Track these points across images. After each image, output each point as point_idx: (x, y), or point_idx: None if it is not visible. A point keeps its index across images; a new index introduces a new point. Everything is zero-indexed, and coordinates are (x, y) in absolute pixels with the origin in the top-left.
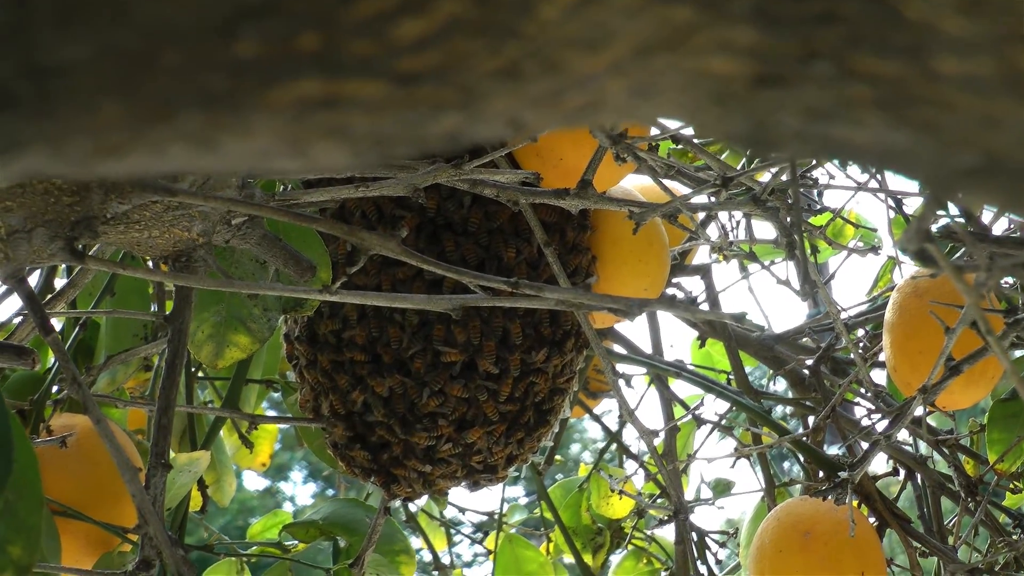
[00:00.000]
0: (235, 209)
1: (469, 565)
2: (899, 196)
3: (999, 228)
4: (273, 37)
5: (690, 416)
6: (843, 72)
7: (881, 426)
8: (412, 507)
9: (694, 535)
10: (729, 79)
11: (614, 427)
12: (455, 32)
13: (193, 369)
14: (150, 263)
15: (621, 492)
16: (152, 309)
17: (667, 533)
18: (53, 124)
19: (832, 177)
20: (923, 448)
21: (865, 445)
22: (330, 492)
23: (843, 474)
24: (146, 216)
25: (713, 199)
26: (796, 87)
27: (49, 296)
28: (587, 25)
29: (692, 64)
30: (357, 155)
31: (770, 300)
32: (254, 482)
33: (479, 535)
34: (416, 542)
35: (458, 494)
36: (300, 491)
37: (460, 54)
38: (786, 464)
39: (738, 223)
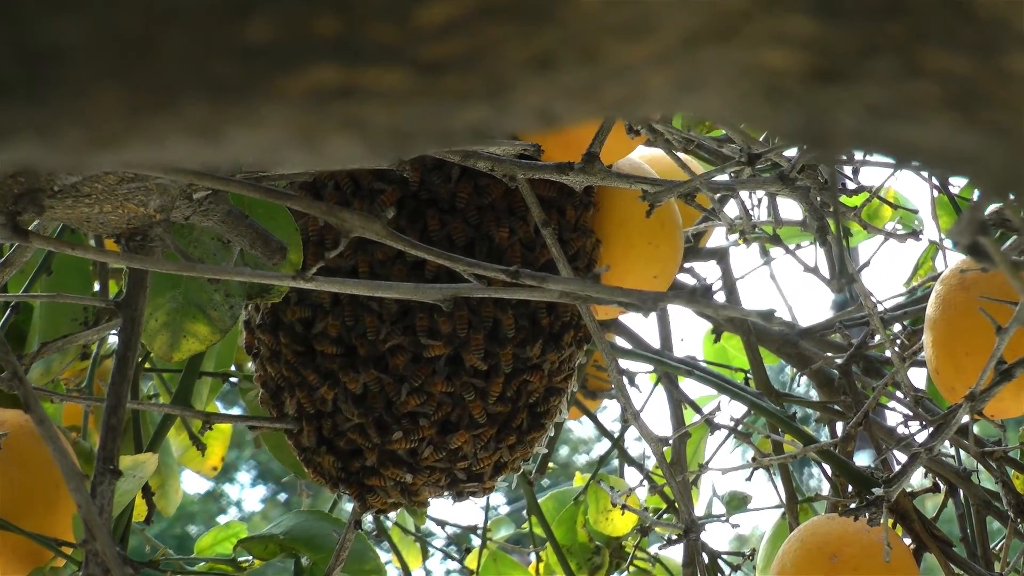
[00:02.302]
0: (197, 182)
1: None
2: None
3: None
4: (287, 20)
5: (702, 420)
6: (908, 68)
7: (921, 436)
8: (384, 519)
9: (705, 556)
10: (783, 73)
11: (609, 429)
12: (485, 17)
13: (139, 359)
14: (92, 241)
15: (624, 506)
16: (94, 290)
17: (674, 554)
18: (45, 112)
19: (868, 152)
20: (967, 461)
21: (902, 457)
22: (282, 497)
23: (877, 490)
24: (97, 189)
25: (732, 176)
26: (856, 83)
27: None
28: (629, 12)
29: (744, 56)
30: (373, 149)
31: (794, 289)
32: (194, 484)
33: (458, 552)
34: (384, 555)
35: (434, 505)
36: (248, 495)
37: (490, 41)
38: (808, 477)
39: (760, 201)
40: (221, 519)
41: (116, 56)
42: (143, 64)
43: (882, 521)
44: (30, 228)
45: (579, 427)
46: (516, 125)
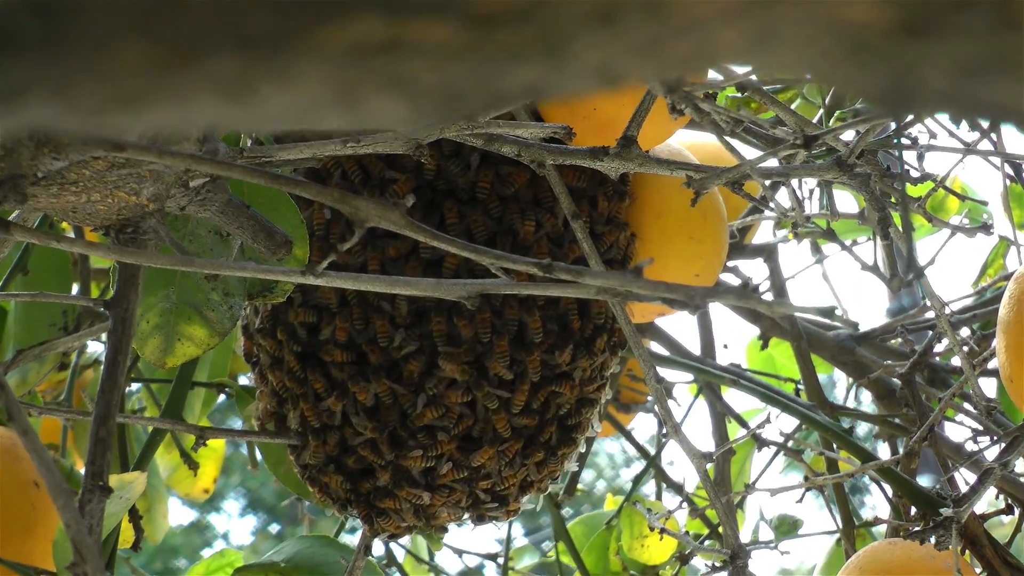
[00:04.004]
0: (194, 167)
1: None
2: (1018, 161)
3: None
4: None
5: (748, 435)
6: (1002, 22)
7: (992, 452)
8: (394, 545)
9: None
10: (866, 28)
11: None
12: None
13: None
14: (71, 233)
15: (663, 531)
16: (73, 292)
17: None
18: (62, 69)
19: (934, 136)
20: None
21: (970, 476)
22: (274, 528)
23: (946, 510)
24: (85, 175)
25: (784, 162)
26: (946, 38)
27: None
28: None
29: (824, 10)
30: (418, 110)
31: (846, 292)
32: (177, 514)
33: None
34: None
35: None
36: (236, 526)
37: None
38: (859, 505)
39: (811, 193)
40: (207, 553)
41: (139, 8)
42: (168, 16)
43: (952, 546)
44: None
45: (603, 447)
46: (574, 85)
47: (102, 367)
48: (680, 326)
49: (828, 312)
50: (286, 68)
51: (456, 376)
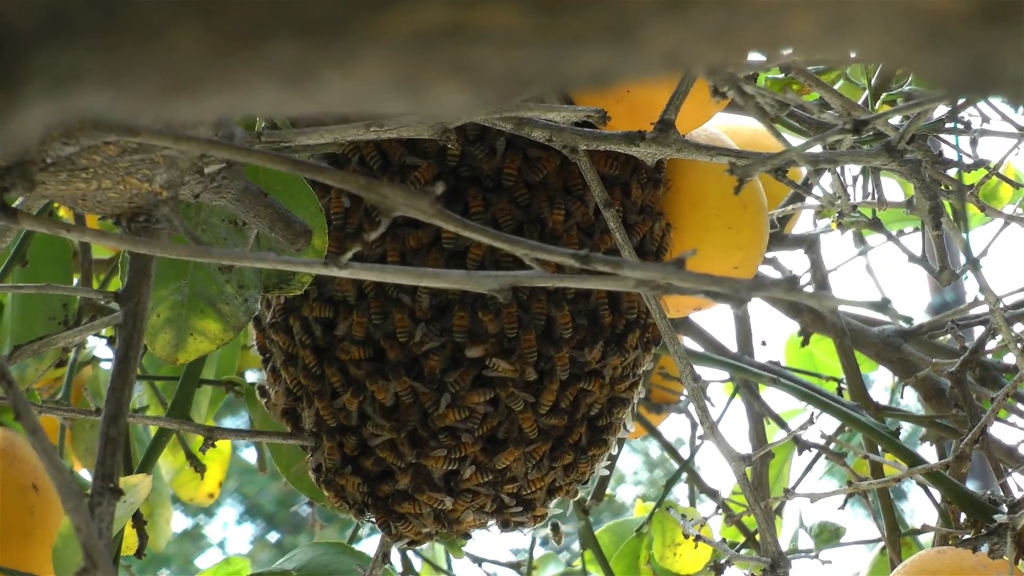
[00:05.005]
0: (211, 153)
1: None
2: None
3: None
4: None
5: (789, 437)
6: None
7: None
8: (411, 553)
9: None
10: (945, 13)
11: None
12: None
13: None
14: (66, 217)
15: (698, 538)
16: (73, 284)
17: None
18: (118, 54)
19: (987, 121)
20: None
21: None
22: (273, 536)
23: (999, 517)
24: (96, 161)
25: (830, 148)
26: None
27: None
28: None
29: None
30: (482, 97)
31: (889, 284)
32: None
33: None
34: None
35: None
36: (232, 535)
37: None
38: (903, 507)
39: (854, 180)
40: (200, 563)
41: None
42: (227, 2)
43: (1008, 555)
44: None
45: (626, 453)
46: (642, 71)
47: (112, 363)
48: (716, 321)
49: (882, 306)
50: (348, 53)
51: (508, 375)
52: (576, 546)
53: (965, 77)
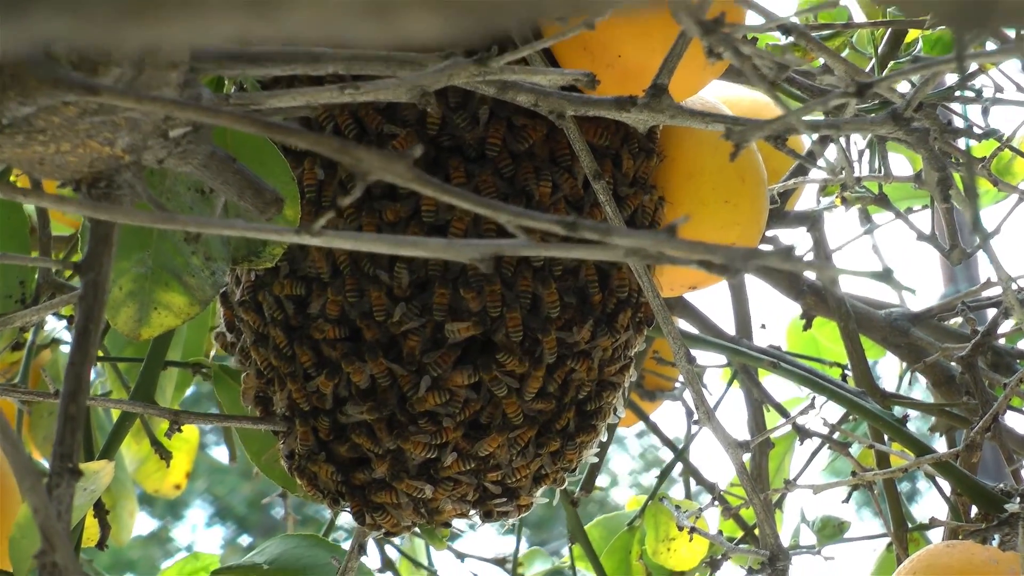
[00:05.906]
0: (176, 115)
1: None
2: None
3: None
4: None
5: (789, 423)
6: None
7: None
8: (389, 548)
9: None
10: None
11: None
12: None
13: None
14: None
15: (692, 530)
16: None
17: None
18: None
19: (1000, 90)
20: None
21: None
22: (245, 539)
23: (1011, 507)
24: (54, 123)
25: (826, 114)
26: None
27: None
28: None
29: None
30: (452, 23)
31: (898, 266)
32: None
33: None
34: None
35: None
36: (201, 537)
37: None
38: (914, 509)
39: (860, 155)
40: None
41: None
42: None
43: (1020, 546)
44: None
45: (621, 454)
46: None
47: (72, 336)
48: (712, 302)
49: (885, 276)
50: None
51: (471, 333)
52: (564, 551)
53: (963, 6)
